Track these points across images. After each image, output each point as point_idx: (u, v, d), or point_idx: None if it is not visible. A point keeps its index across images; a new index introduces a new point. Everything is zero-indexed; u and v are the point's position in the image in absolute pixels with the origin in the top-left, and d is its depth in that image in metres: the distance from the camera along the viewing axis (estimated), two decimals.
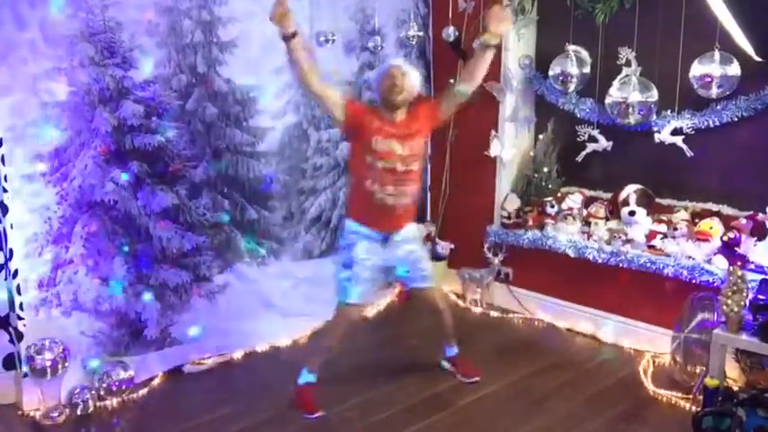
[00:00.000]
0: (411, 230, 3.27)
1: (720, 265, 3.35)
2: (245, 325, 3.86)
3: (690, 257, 3.48)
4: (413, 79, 3.09)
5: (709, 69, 3.40)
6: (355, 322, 3.34)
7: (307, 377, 3.28)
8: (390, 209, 3.09)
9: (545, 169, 4.31)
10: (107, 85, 3.22)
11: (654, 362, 3.65)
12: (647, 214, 3.78)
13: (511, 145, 4.40)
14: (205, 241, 3.68)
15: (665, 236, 3.66)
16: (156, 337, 3.55)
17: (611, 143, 4.00)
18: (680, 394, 3.28)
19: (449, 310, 3.53)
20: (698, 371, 3.33)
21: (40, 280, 3.18)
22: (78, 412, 3.18)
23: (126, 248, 3.39)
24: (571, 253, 3.92)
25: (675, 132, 3.66)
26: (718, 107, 3.49)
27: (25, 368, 3.14)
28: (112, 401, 3.28)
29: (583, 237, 3.96)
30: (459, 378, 3.49)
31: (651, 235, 3.69)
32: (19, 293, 3.12)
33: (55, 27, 3.05)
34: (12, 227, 3.07)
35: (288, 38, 2.84)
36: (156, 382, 3.50)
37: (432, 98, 3.43)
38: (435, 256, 4.69)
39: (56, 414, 3.13)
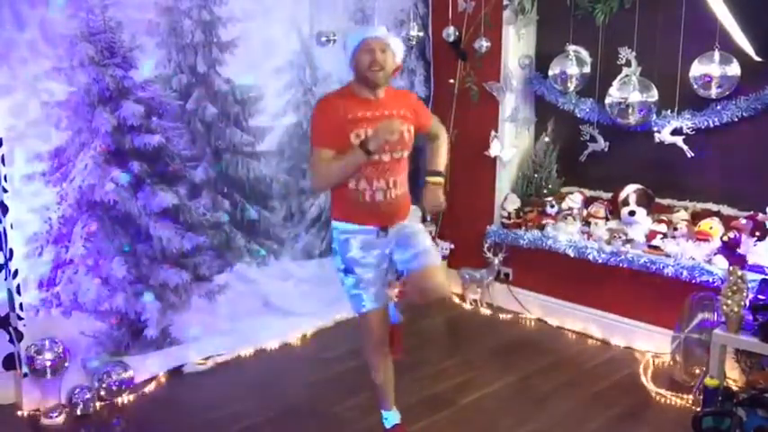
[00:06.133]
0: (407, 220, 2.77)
1: (720, 265, 3.35)
2: (245, 325, 3.86)
3: (690, 257, 3.48)
4: (395, 54, 2.63)
5: (709, 69, 3.40)
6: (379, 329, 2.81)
7: (388, 416, 2.95)
8: (380, 206, 2.62)
9: (545, 169, 4.31)
10: (107, 85, 3.22)
11: (654, 362, 3.65)
12: (647, 214, 3.78)
13: (511, 145, 4.40)
14: (205, 241, 3.69)
15: (665, 236, 3.65)
16: (156, 337, 3.55)
17: (607, 143, 4.01)
18: (680, 394, 3.28)
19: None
20: (698, 371, 3.33)
21: (40, 280, 3.18)
22: (78, 412, 3.18)
23: (126, 248, 3.39)
24: (571, 253, 3.92)
25: (675, 132, 3.66)
26: (718, 107, 3.49)
27: (25, 368, 3.14)
28: (112, 401, 3.28)
29: (583, 237, 3.96)
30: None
31: (651, 235, 3.69)
32: (19, 293, 3.12)
33: (55, 27, 3.05)
34: (12, 227, 3.07)
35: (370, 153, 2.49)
36: (156, 382, 3.50)
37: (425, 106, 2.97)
38: None
39: (56, 414, 3.13)
